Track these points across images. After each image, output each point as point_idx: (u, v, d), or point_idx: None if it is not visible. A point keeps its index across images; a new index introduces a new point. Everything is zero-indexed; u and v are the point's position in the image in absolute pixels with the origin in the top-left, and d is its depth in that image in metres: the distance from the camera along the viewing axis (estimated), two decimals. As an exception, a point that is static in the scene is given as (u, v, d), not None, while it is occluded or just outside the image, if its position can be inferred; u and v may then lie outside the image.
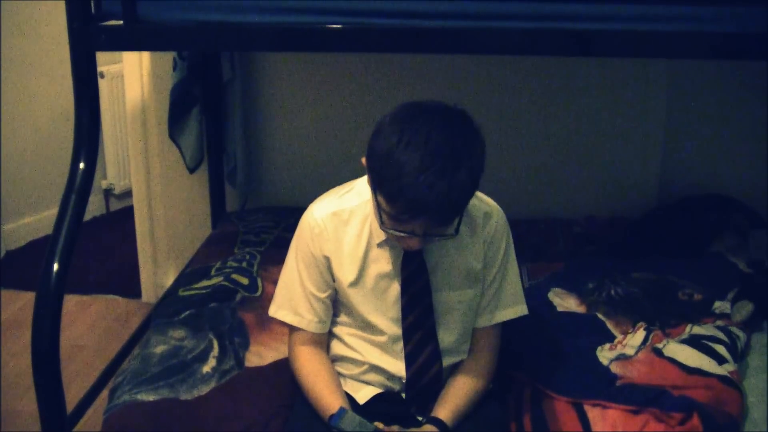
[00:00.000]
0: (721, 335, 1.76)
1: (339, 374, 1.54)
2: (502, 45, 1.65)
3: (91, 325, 2.82)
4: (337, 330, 1.54)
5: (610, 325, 1.89)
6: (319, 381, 1.47)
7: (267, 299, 2.05)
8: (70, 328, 2.76)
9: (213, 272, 2.19)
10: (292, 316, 1.50)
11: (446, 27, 1.60)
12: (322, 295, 1.49)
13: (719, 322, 1.84)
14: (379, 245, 1.45)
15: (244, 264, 2.23)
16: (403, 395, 1.52)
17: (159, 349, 1.79)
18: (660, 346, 1.74)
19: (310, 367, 1.49)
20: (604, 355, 1.74)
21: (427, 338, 1.48)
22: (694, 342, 1.73)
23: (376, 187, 1.30)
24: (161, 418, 1.59)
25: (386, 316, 1.48)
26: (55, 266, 1.58)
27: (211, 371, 1.72)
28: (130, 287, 3.06)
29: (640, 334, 1.82)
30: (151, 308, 2.55)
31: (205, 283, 2.12)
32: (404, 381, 1.50)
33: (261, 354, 1.81)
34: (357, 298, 1.47)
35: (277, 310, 1.53)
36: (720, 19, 1.55)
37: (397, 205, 1.25)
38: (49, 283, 1.57)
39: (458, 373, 1.51)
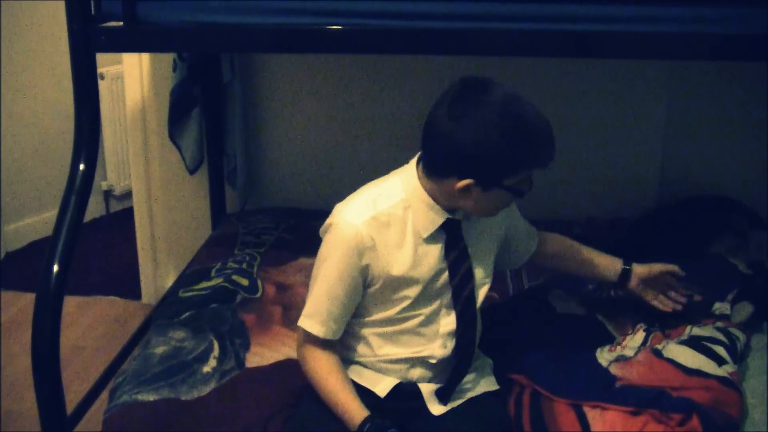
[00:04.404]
0: (720, 336, 1.75)
1: (358, 363, 1.54)
2: (502, 46, 1.65)
3: (91, 327, 2.83)
4: (364, 330, 1.53)
5: (609, 327, 1.89)
6: (338, 383, 1.45)
7: (267, 300, 2.06)
8: (70, 329, 2.76)
9: (213, 273, 2.19)
10: (319, 327, 1.46)
11: (446, 28, 1.60)
12: (352, 307, 1.49)
13: (719, 324, 1.83)
14: (426, 240, 1.46)
15: (244, 265, 2.23)
16: (420, 385, 1.53)
17: (159, 350, 1.79)
18: (659, 347, 1.74)
19: (327, 370, 1.47)
20: (604, 356, 1.74)
21: (473, 320, 1.53)
22: (694, 343, 1.73)
23: (511, 169, 1.37)
24: (161, 418, 1.59)
25: (441, 303, 1.50)
26: (55, 267, 1.58)
27: (212, 371, 1.73)
28: (130, 288, 3.06)
29: (639, 336, 1.81)
30: (151, 309, 2.56)
31: (205, 284, 2.12)
32: (434, 362, 1.51)
33: (262, 355, 1.82)
34: (411, 292, 1.47)
35: (304, 319, 1.48)
36: (720, 20, 1.55)
37: (545, 157, 1.40)
38: (49, 284, 1.57)
39: (560, 248, 1.78)
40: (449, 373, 1.54)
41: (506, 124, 1.33)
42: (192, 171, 2.69)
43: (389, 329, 1.51)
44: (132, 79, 2.78)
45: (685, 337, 1.78)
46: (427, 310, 1.50)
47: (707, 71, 2.59)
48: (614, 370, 1.67)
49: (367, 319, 1.51)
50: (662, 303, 1.81)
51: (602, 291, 2.04)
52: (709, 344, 1.71)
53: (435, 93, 2.64)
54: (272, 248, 2.39)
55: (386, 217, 1.44)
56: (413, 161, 1.49)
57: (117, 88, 3.56)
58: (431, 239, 1.46)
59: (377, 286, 1.46)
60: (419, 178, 1.45)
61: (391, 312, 1.49)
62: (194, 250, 2.58)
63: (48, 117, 3.51)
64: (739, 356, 1.75)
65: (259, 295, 2.08)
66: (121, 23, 1.63)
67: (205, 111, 2.65)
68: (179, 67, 2.53)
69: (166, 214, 2.91)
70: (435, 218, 1.45)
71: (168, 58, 2.61)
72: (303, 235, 2.49)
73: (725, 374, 1.62)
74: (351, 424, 1.40)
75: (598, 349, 1.77)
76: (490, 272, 1.57)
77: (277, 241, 2.44)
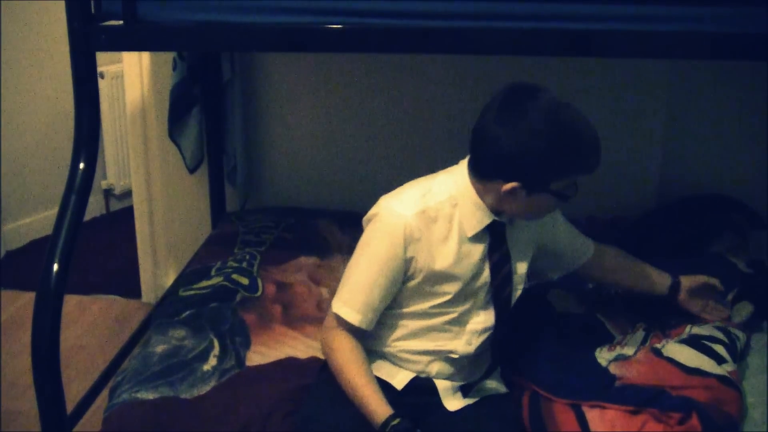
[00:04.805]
0: (720, 335, 1.75)
1: (378, 354, 1.55)
2: (503, 45, 1.65)
3: (91, 326, 2.83)
4: (392, 320, 1.54)
5: (609, 326, 1.89)
6: (363, 376, 1.45)
7: (267, 299, 2.06)
8: (70, 328, 2.76)
9: (213, 272, 2.19)
10: (355, 314, 1.47)
11: (446, 27, 1.60)
12: (390, 298, 1.49)
13: (719, 323, 1.83)
14: (471, 240, 1.47)
15: (244, 264, 2.23)
16: (436, 381, 1.54)
17: (159, 349, 1.79)
18: (659, 346, 1.74)
19: (353, 360, 1.46)
20: (603, 356, 1.74)
21: (508, 321, 1.56)
22: (694, 342, 1.72)
23: (557, 174, 1.40)
24: (161, 416, 1.59)
25: (475, 302, 1.52)
26: (55, 266, 1.58)
27: (211, 370, 1.73)
28: (130, 287, 3.06)
29: (639, 335, 1.82)
30: (151, 308, 2.56)
31: (205, 283, 2.12)
32: (455, 357, 1.52)
33: (262, 353, 1.82)
34: (450, 288, 1.48)
35: (341, 306, 1.47)
36: (720, 19, 1.55)
37: (591, 163, 1.43)
38: (49, 283, 1.57)
39: (616, 263, 1.79)
40: (482, 370, 1.57)
41: (553, 130, 1.35)
42: (192, 170, 2.69)
43: (418, 322, 1.52)
44: (132, 77, 2.78)
45: (684, 336, 1.78)
46: (460, 309, 1.51)
47: (707, 71, 2.59)
48: (614, 369, 1.67)
49: (399, 310, 1.52)
50: (711, 314, 1.84)
51: (602, 290, 2.04)
52: (708, 343, 1.71)
53: (435, 92, 2.66)
54: (272, 247, 2.39)
55: (434, 212, 1.45)
56: (464, 161, 1.51)
57: (117, 87, 3.56)
58: (475, 239, 1.48)
59: (417, 280, 1.47)
60: (469, 178, 1.47)
61: (425, 305, 1.50)
62: (194, 249, 2.59)
63: (48, 116, 3.51)
64: (739, 355, 1.75)
65: (259, 294, 2.08)
66: (121, 22, 1.63)
67: (205, 110, 2.65)
68: (179, 65, 2.53)
69: (166, 213, 2.91)
70: (482, 218, 1.47)
71: (168, 57, 2.61)
72: (303, 234, 2.49)
73: (725, 373, 1.62)
74: (374, 419, 1.40)
75: (598, 349, 1.77)
76: (525, 276, 1.58)
77: (277, 240, 2.44)
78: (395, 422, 1.37)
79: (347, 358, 1.46)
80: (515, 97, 1.40)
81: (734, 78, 2.58)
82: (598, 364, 1.70)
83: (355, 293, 1.47)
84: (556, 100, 1.39)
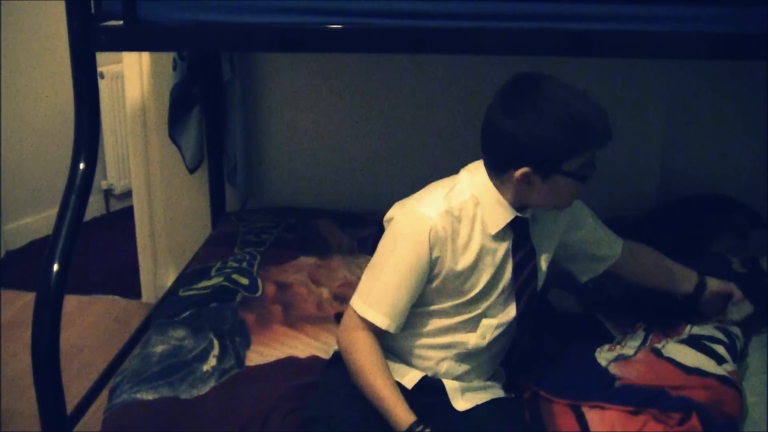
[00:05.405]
0: (720, 335, 1.75)
1: (389, 352, 1.54)
2: (502, 45, 1.65)
3: (91, 326, 2.83)
4: (420, 318, 1.54)
5: (609, 326, 1.89)
6: (386, 380, 1.44)
7: (267, 299, 2.06)
8: (70, 328, 2.76)
9: (213, 272, 2.19)
10: (383, 318, 1.46)
11: (446, 27, 1.60)
12: (415, 300, 1.49)
13: (717, 323, 1.83)
14: (494, 238, 1.47)
15: (245, 264, 2.23)
16: (444, 381, 1.54)
17: (159, 349, 1.79)
18: (659, 346, 1.74)
19: (376, 364, 1.46)
20: (603, 356, 1.74)
21: (532, 318, 1.56)
22: (694, 342, 1.73)
23: (565, 153, 1.40)
24: (160, 416, 1.59)
25: (496, 299, 1.51)
26: (55, 266, 1.58)
27: (211, 370, 1.73)
28: (130, 288, 3.06)
29: (639, 335, 1.81)
30: (151, 308, 2.56)
31: (205, 283, 2.12)
32: (465, 352, 1.53)
33: (262, 353, 1.82)
34: (470, 286, 1.48)
35: (367, 309, 1.46)
36: (720, 19, 1.56)
37: (598, 136, 1.41)
38: (49, 284, 1.57)
39: (647, 262, 1.76)
40: (490, 373, 1.58)
41: (554, 109, 1.36)
42: (192, 170, 2.69)
43: (438, 320, 1.52)
44: (132, 78, 2.78)
45: (684, 336, 1.78)
46: (481, 306, 1.51)
47: (707, 71, 2.59)
48: (614, 369, 1.67)
49: (420, 309, 1.52)
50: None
51: (602, 290, 2.04)
52: (708, 343, 1.72)
53: (435, 92, 2.66)
54: (272, 247, 2.39)
55: (458, 212, 1.46)
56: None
57: (117, 87, 3.56)
58: (498, 237, 1.48)
59: (440, 279, 1.47)
60: (487, 174, 1.48)
61: (446, 305, 1.50)
62: (194, 249, 2.59)
63: (48, 116, 3.51)
64: (739, 355, 1.75)
65: (259, 294, 2.08)
66: (121, 22, 1.63)
67: (205, 110, 2.65)
68: (179, 66, 2.53)
69: (166, 214, 2.91)
70: (504, 215, 1.47)
71: (168, 57, 2.61)
72: (303, 234, 2.49)
73: (725, 373, 1.62)
74: (397, 424, 1.39)
75: (598, 349, 1.77)
76: (545, 274, 1.59)
77: (278, 240, 2.44)
78: (419, 429, 1.36)
79: (371, 361, 1.45)
80: (517, 87, 1.41)
81: (734, 78, 2.58)
82: (598, 364, 1.70)
83: (383, 296, 1.45)
84: (557, 83, 1.40)
